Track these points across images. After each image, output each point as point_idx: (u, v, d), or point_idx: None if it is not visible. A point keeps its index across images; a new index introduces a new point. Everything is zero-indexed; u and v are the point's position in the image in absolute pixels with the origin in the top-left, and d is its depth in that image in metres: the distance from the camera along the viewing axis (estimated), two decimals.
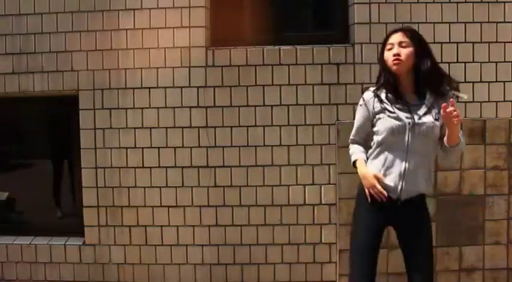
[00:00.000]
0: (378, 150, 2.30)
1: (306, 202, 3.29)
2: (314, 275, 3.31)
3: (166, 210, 3.34)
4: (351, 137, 2.48)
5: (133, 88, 3.31)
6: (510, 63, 3.25)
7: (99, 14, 3.30)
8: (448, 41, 3.23)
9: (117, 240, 3.37)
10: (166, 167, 3.32)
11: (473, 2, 3.22)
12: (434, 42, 3.21)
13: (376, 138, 2.30)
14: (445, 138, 2.21)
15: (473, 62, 3.24)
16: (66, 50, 3.32)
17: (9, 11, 3.34)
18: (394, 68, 2.23)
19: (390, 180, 2.26)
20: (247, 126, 3.28)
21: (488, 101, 3.26)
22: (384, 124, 2.25)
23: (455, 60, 3.24)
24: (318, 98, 3.25)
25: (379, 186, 2.24)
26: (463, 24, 3.23)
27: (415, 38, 2.25)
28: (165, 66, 3.29)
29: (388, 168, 2.26)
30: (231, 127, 3.29)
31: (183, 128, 3.31)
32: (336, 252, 3.28)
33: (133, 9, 3.28)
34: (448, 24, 3.22)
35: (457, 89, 2.27)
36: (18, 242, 3.46)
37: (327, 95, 3.25)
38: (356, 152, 2.42)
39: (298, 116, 3.27)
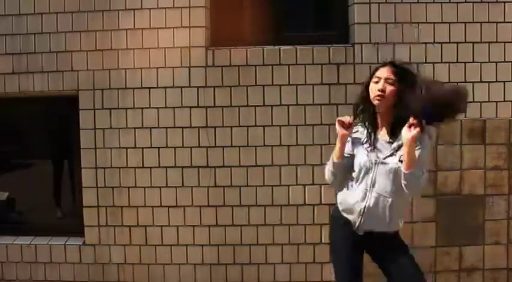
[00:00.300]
0: (349, 178, 2.33)
1: (306, 202, 3.28)
2: (314, 275, 3.31)
3: (166, 210, 3.34)
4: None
5: (133, 88, 3.31)
6: (510, 63, 3.25)
7: (99, 14, 3.30)
8: (448, 41, 3.23)
9: (117, 240, 3.37)
10: (166, 167, 3.32)
11: (473, 2, 3.21)
12: (434, 42, 3.22)
13: (351, 170, 2.34)
14: (402, 164, 2.15)
15: (473, 62, 3.24)
16: (66, 50, 3.32)
17: (9, 11, 3.34)
18: (375, 102, 2.22)
19: (351, 215, 2.30)
20: (247, 126, 3.28)
21: (488, 101, 3.26)
22: (357, 157, 2.30)
23: (455, 60, 3.24)
24: (318, 98, 3.25)
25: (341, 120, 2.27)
26: (463, 24, 3.23)
27: (403, 77, 2.21)
28: (165, 66, 3.29)
29: (349, 202, 2.29)
30: (231, 127, 3.29)
31: (183, 128, 3.30)
32: None
33: (133, 9, 3.28)
34: (448, 24, 3.22)
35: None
36: (18, 242, 3.46)
37: (327, 95, 3.25)
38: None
39: (298, 116, 3.26)
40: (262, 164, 3.29)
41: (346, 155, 2.32)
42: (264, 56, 3.27)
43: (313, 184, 3.28)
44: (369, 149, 2.26)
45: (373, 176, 2.23)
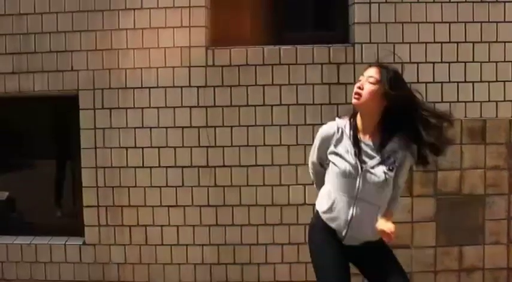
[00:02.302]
0: (328, 187, 2.20)
1: (306, 202, 3.28)
2: (314, 275, 3.30)
3: (166, 210, 3.34)
4: (310, 157, 2.34)
5: (134, 88, 3.31)
6: (510, 63, 3.25)
7: (99, 13, 3.30)
8: (448, 40, 3.23)
9: (117, 240, 3.37)
10: (166, 167, 3.32)
11: (473, 2, 3.21)
12: (434, 42, 3.22)
13: (329, 174, 2.19)
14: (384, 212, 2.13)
15: (473, 61, 3.24)
16: (66, 49, 3.33)
17: (10, 11, 3.34)
18: (352, 101, 2.10)
19: (336, 224, 2.14)
20: (247, 126, 3.28)
21: (489, 101, 3.25)
22: (338, 163, 2.12)
23: (456, 60, 3.24)
24: (318, 98, 3.25)
25: None
26: (463, 24, 3.23)
27: (387, 79, 2.06)
28: (165, 66, 3.29)
29: (334, 211, 2.14)
30: (231, 127, 3.29)
31: (183, 127, 3.30)
32: None
33: (134, 9, 3.28)
34: (448, 24, 3.22)
35: (441, 146, 2.12)
36: (18, 241, 3.46)
37: (327, 95, 3.25)
38: (312, 174, 2.40)
39: (298, 115, 3.26)
40: (262, 164, 3.29)
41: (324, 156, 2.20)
42: (264, 56, 3.27)
43: (313, 184, 3.27)
44: (353, 154, 2.09)
45: (357, 183, 2.08)
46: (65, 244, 3.42)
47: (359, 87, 2.08)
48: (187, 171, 3.31)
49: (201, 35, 3.27)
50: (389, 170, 2.07)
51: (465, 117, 3.24)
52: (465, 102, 3.25)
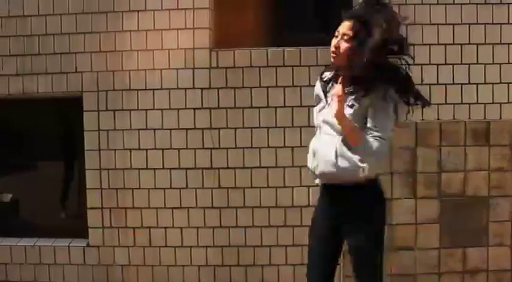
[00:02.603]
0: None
1: (310, 203, 3.27)
2: None
3: (170, 211, 3.34)
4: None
5: (138, 90, 3.31)
6: None
7: (103, 15, 3.30)
8: (452, 42, 3.23)
9: (121, 242, 3.37)
10: (170, 169, 3.32)
11: (477, 4, 3.21)
12: (438, 44, 3.22)
13: None
14: None
15: (477, 63, 3.24)
16: (70, 51, 3.33)
17: (14, 13, 3.34)
18: (331, 60, 2.13)
19: (311, 163, 2.17)
20: (251, 128, 3.28)
21: (492, 103, 3.25)
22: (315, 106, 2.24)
23: (459, 62, 3.23)
24: None
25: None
26: (467, 25, 3.22)
27: (360, 32, 2.03)
28: (169, 68, 3.29)
29: (310, 150, 2.19)
30: (235, 128, 3.29)
31: (187, 129, 3.31)
32: (341, 254, 3.27)
33: (138, 11, 3.28)
34: (452, 26, 3.22)
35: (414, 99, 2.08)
36: (22, 243, 3.46)
37: None
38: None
39: (302, 117, 3.26)
40: (266, 166, 3.29)
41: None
42: (268, 58, 3.27)
43: (317, 186, 3.27)
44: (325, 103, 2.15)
45: (320, 116, 2.16)
46: (68, 246, 3.42)
47: (334, 47, 2.08)
48: (191, 173, 3.31)
49: (205, 36, 3.27)
50: (348, 105, 2.03)
51: (469, 119, 3.24)
52: (469, 104, 3.25)
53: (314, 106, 2.25)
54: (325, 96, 2.17)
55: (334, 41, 2.10)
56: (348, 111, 2.04)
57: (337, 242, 2.20)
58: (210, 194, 3.31)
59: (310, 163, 2.17)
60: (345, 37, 2.06)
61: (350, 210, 2.09)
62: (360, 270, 2.14)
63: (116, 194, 3.35)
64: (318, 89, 2.24)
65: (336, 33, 2.10)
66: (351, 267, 2.19)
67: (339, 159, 2.04)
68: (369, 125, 2.04)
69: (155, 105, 3.31)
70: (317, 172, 2.14)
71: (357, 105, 2.04)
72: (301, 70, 3.25)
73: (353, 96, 2.05)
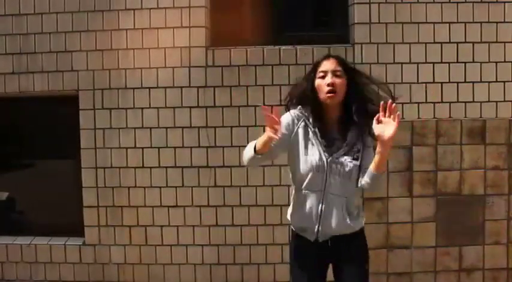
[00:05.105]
0: (295, 183, 2.14)
1: None
2: None
3: (166, 210, 3.34)
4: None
5: (134, 88, 3.31)
6: (510, 63, 3.25)
7: (99, 14, 3.30)
8: (448, 41, 3.23)
9: (117, 240, 3.37)
10: (166, 167, 3.32)
11: (473, 2, 3.22)
12: (434, 42, 3.22)
13: (295, 173, 2.12)
14: (373, 164, 1.97)
15: (473, 62, 3.24)
16: (66, 50, 3.33)
17: (10, 11, 3.34)
18: (328, 100, 2.03)
19: (307, 223, 2.09)
20: (247, 126, 3.28)
21: (488, 101, 3.26)
22: (304, 159, 2.06)
23: (455, 61, 3.24)
24: None
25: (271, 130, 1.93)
26: (463, 24, 3.23)
27: (347, 67, 2.10)
28: (165, 66, 3.29)
29: (303, 209, 2.09)
30: (231, 127, 3.29)
31: (183, 128, 3.31)
32: None
33: (134, 9, 3.28)
34: (448, 24, 3.22)
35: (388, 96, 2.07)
36: (18, 242, 3.46)
37: None
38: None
39: None
40: (262, 164, 3.28)
41: (276, 146, 2.02)
42: (264, 56, 3.27)
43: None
44: (321, 146, 2.04)
45: (324, 176, 2.03)
46: (65, 244, 3.42)
47: (331, 84, 2.02)
48: (187, 171, 3.31)
49: (201, 35, 3.27)
50: (353, 159, 2.04)
51: (465, 117, 3.24)
52: (465, 102, 3.25)
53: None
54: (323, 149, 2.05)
55: (324, 80, 2.04)
56: (355, 163, 2.04)
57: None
58: (206, 192, 3.31)
59: (307, 222, 2.09)
60: (338, 73, 2.05)
61: (348, 252, 2.13)
62: None
63: (112, 192, 3.35)
64: (298, 132, 2.09)
65: (321, 74, 2.05)
66: None
67: (348, 218, 2.08)
68: (366, 164, 2.03)
69: (151, 103, 3.31)
70: (320, 233, 2.08)
71: (359, 155, 2.05)
72: (297, 68, 3.24)
73: (354, 145, 2.04)
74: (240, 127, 3.28)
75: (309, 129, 2.08)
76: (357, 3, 3.21)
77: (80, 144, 3.36)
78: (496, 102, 3.26)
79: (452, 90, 3.25)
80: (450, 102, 3.24)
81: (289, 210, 2.21)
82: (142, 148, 3.33)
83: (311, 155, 2.05)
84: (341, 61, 2.10)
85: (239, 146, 3.28)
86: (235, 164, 3.29)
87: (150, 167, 3.33)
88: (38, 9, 3.33)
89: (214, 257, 3.34)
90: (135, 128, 3.32)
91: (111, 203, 3.35)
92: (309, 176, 2.05)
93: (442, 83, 3.24)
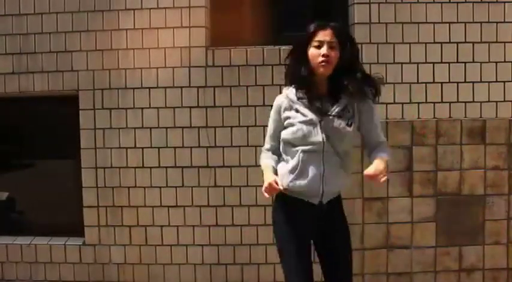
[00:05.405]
0: (291, 153, 2.17)
1: None
2: (314, 274, 3.30)
3: (166, 210, 3.34)
4: (265, 145, 2.34)
5: (134, 88, 3.31)
6: (510, 63, 3.25)
7: (99, 14, 3.30)
8: (448, 41, 3.23)
9: (117, 240, 3.37)
10: (166, 167, 3.32)
11: (473, 2, 3.21)
12: (434, 42, 3.22)
13: (288, 141, 2.17)
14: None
15: (473, 62, 3.24)
16: (66, 50, 3.32)
17: (9, 11, 3.34)
18: (320, 70, 2.08)
19: (310, 185, 2.12)
20: (247, 126, 3.28)
21: (488, 101, 3.25)
22: (295, 126, 2.12)
23: (455, 61, 3.24)
24: None
25: (270, 183, 2.08)
26: (463, 24, 3.23)
27: (343, 37, 2.12)
28: (165, 66, 3.29)
29: (303, 173, 2.12)
30: (231, 127, 3.29)
31: (183, 128, 3.31)
32: None
33: (134, 9, 3.28)
34: (448, 24, 3.22)
35: (378, 91, 2.15)
36: (18, 242, 3.46)
37: None
38: (263, 158, 2.31)
39: None
40: None
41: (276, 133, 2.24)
42: (264, 56, 3.27)
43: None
44: (311, 114, 2.10)
45: (322, 139, 2.09)
46: (64, 244, 3.42)
47: (326, 56, 2.06)
48: (187, 171, 3.31)
49: (201, 35, 3.27)
50: (348, 125, 2.10)
51: (465, 117, 3.24)
52: (465, 102, 3.25)
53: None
54: (314, 111, 2.12)
55: (319, 50, 2.08)
56: (348, 129, 2.11)
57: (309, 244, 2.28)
58: (206, 192, 3.31)
59: (311, 186, 2.12)
60: (332, 44, 2.08)
61: (336, 215, 2.24)
62: (343, 265, 2.25)
63: (112, 192, 3.35)
64: (291, 103, 2.17)
65: (316, 43, 2.09)
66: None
67: (346, 176, 2.20)
68: (371, 127, 2.18)
69: (151, 103, 3.31)
70: (325, 193, 2.15)
71: (353, 120, 2.13)
72: None
73: (345, 109, 2.11)
74: (240, 127, 3.28)
75: (294, 100, 2.15)
76: (357, 3, 3.21)
77: (80, 144, 3.36)
78: (496, 102, 3.26)
79: (452, 90, 3.25)
80: (450, 102, 3.24)
81: (286, 178, 2.16)
82: (142, 148, 3.33)
83: (301, 122, 2.11)
84: (337, 32, 2.10)
85: (239, 146, 3.29)
86: (235, 164, 3.29)
87: (150, 167, 3.33)
88: (38, 9, 3.33)
89: (214, 257, 3.34)
90: (135, 128, 3.32)
91: (111, 203, 3.35)
92: (306, 138, 2.10)
93: (442, 83, 3.24)
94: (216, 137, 3.29)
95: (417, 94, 3.23)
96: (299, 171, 2.13)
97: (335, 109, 2.11)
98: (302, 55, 2.13)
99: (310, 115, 2.12)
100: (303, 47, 2.13)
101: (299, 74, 2.14)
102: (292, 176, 2.15)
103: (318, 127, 2.10)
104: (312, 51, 2.10)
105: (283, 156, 2.23)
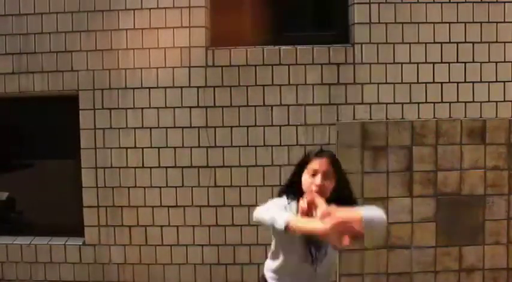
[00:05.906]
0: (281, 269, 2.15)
1: None
2: None
3: (166, 210, 3.34)
4: (283, 215, 2.00)
5: (133, 88, 3.31)
6: (510, 63, 3.25)
7: (99, 14, 3.30)
8: (448, 41, 3.23)
9: (117, 240, 3.37)
10: (166, 167, 3.32)
11: (473, 2, 3.22)
12: (434, 42, 3.22)
13: (281, 255, 2.13)
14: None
15: (473, 62, 3.24)
16: (66, 50, 3.33)
17: (10, 11, 3.35)
18: (314, 195, 1.93)
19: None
20: (247, 126, 3.28)
21: (488, 101, 3.26)
22: (291, 248, 2.06)
23: (455, 60, 3.24)
24: (318, 98, 3.25)
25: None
26: (463, 24, 3.23)
27: (338, 167, 2.04)
28: (165, 66, 3.29)
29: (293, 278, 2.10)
30: (231, 127, 3.29)
31: (183, 128, 3.31)
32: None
33: (134, 9, 3.28)
34: (448, 24, 3.23)
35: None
36: (18, 242, 3.46)
37: (327, 95, 3.25)
38: (293, 219, 1.96)
39: (298, 116, 3.26)
40: (262, 164, 3.29)
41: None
42: (264, 56, 3.27)
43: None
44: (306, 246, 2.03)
45: (315, 267, 2.04)
46: (64, 244, 3.42)
47: (321, 186, 1.96)
48: (187, 171, 3.31)
49: (201, 35, 3.27)
50: (334, 247, 1.98)
51: (465, 117, 3.24)
52: (465, 102, 3.25)
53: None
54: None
55: (313, 179, 1.98)
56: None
57: None
58: (206, 192, 3.31)
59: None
60: (328, 176, 1.99)
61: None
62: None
63: (112, 192, 3.35)
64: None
65: (312, 172, 2.00)
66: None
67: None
68: None
69: (151, 103, 3.31)
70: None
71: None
72: (297, 68, 3.26)
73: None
74: (240, 127, 3.28)
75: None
76: (357, 3, 3.21)
77: (80, 144, 3.36)
78: (496, 102, 3.26)
79: (452, 90, 3.25)
80: (450, 102, 3.24)
81: (272, 272, 2.20)
82: (142, 148, 3.33)
83: (297, 246, 2.04)
84: (333, 161, 2.04)
85: (239, 146, 3.29)
86: (235, 164, 3.29)
87: (150, 167, 3.33)
88: (38, 9, 3.33)
89: (214, 257, 3.34)
90: (135, 128, 3.32)
91: (111, 203, 3.35)
92: (296, 265, 2.07)
93: (442, 83, 3.24)
94: (216, 137, 3.29)
95: (417, 94, 3.24)
96: (283, 275, 2.14)
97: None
98: (297, 182, 2.06)
99: (306, 251, 2.03)
100: (298, 172, 2.07)
101: (295, 199, 2.06)
102: (277, 274, 2.18)
103: (314, 261, 2.04)
104: (306, 179, 2.02)
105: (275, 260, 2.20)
